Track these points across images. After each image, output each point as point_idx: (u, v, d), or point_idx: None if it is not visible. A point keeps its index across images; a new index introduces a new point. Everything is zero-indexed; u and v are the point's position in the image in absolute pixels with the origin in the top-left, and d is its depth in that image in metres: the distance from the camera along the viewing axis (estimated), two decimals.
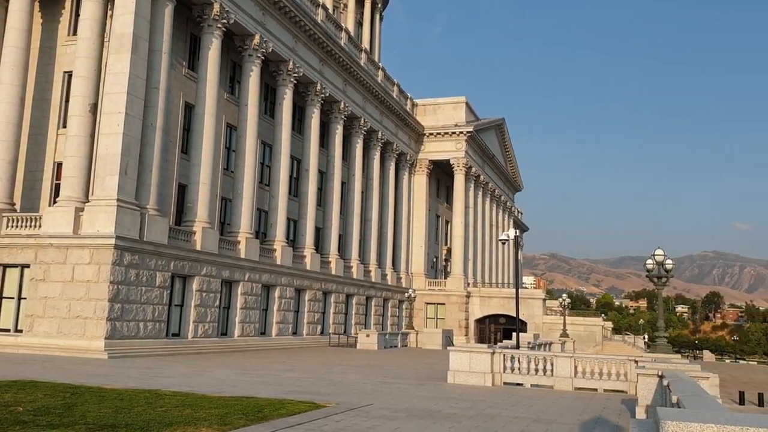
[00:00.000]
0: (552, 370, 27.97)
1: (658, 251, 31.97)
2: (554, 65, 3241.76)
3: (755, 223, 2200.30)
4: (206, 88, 44.78)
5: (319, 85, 60.50)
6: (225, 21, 45.83)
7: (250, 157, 49.80)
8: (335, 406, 19.06)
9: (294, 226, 60.40)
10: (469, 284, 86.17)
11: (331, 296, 62.68)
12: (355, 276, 67.38)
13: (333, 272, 62.74)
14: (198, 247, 42.52)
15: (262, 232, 55.61)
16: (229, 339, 46.80)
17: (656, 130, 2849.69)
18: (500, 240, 43.34)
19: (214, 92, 45.23)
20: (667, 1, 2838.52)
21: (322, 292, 60.80)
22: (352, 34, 72.40)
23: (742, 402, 41.57)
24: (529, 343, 45.06)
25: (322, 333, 60.87)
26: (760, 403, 41.01)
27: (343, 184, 68.67)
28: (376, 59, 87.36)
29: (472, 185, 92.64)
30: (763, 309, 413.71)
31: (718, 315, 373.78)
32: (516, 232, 43.26)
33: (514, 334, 41.20)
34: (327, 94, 62.26)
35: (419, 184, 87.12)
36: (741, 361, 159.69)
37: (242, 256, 47.63)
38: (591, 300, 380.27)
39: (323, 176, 65.68)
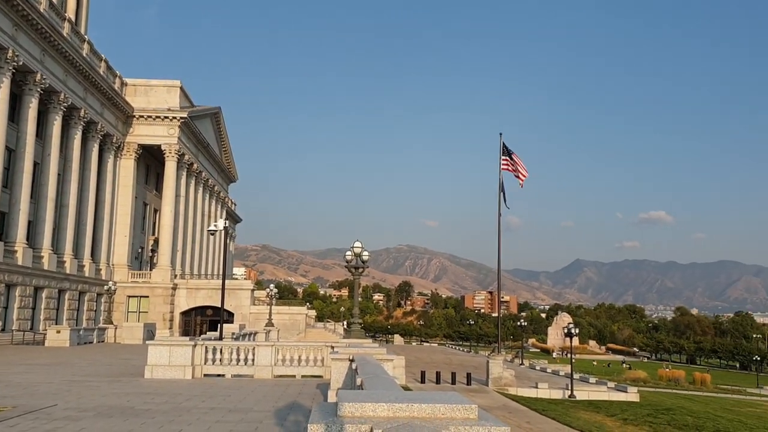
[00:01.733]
0: (254, 360, 28.45)
1: (357, 244, 34.28)
2: (269, 51, 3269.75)
3: (441, 220, 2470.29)
4: None
5: (11, 51, 53.81)
6: None
7: None
8: (11, 409, 17.22)
9: None
10: (176, 276, 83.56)
11: (16, 289, 56.25)
12: (46, 267, 61.29)
13: (19, 262, 56.36)
14: None
15: None
16: None
17: (358, 130, 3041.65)
18: (209, 231, 42.83)
19: None
20: None
21: (4, 284, 54.28)
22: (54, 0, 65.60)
23: (423, 380, 46.48)
24: (233, 333, 45.23)
25: (3, 330, 54.35)
26: (437, 381, 46.23)
27: (36, 164, 61.98)
28: (83, 31, 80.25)
29: (185, 173, 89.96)
30: (445, 296, 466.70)
31: (409, 302, 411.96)
32: (226, 223, 43.12)
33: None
34: (20, 63, 55.67)
35: (126, 169, 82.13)
36: (425, 343, 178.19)
37: None
38: (299, 290, 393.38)
39: (12, 154, 58.60)
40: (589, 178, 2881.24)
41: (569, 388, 43.29)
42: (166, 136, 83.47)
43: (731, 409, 50.27)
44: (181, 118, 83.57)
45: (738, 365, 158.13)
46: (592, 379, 51.85)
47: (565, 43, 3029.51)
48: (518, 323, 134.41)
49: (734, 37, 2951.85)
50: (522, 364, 74.39)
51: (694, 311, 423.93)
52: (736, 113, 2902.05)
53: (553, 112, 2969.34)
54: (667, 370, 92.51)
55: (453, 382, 46.09)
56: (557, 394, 43.06)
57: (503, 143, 49.42)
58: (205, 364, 28.18)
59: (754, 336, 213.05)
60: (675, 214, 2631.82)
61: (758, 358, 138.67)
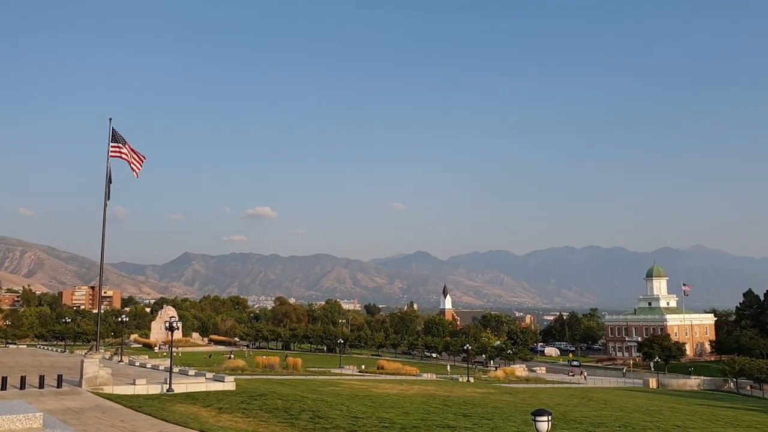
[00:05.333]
0: None
1: None
2: None
3: (38, 209, 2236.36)
4: None
5: None
6: None
7: None
8: None
9: None
10: None
11: None
12: None
13: None
14: None
15: None
16: None
17: None
18: None
19: None
20: None
21: None
22: None
23: (4, 387, 41.54)
24: None
25: None
26: (22, 386, 41.82)
27: None
28: None
29: None
30: (40, 293, 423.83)
31: None
32: None
33: None
34: None
35: None
36: (12, 346, 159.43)
37: None
38: None
39: None
40: (201, 171, 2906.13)
41: (168, 382, 43.17)
42: None
43: (316, 390, 55.75)
44: None
45: (326, 348, 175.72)
46: (192, 371, 52.50)
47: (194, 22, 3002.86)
48: (120, 319, 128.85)
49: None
50: (121, 361, 71.72)
51: (292, 300, 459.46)
52: (322, 123, 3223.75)
53: (170, 101, 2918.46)
54: (262, 357, 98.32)
55: (41, 386, 42.20)
56: (155, 389, 42.55)
57: (113, 129, 46.87)
58: None
59: (341, 321, 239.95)
60: (278, 210, 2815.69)
61: (342, 341, 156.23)
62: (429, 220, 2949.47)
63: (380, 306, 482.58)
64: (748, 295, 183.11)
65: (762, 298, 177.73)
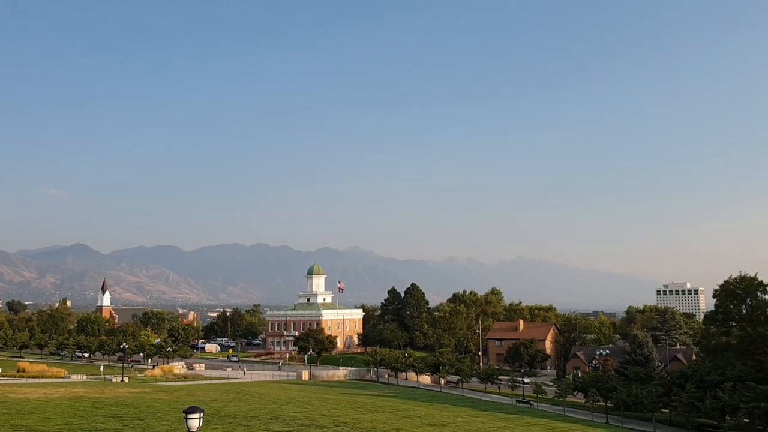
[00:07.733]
0: None
1: None
2: None
3: None
4: None
5: None
6: None
7: None
8: None
9: None
10: None
11: None
12: None
13: None
14: None
15: None
16: None
17: None
18: None
19: None
20: None
21: None
22: None
23: None
24: None
25: None
26: None
27: None
28: None
29: None
30: None
31: None
32: None
33: None
34: None
35: None
36: None
37: None
38: None
39: None
40: None
41: None
42: None
43: None
44: None
45: None
46: None
47: None
48: None
49: None
50: None
51: None
52: None
53: None
54: None
55: None
56: None
57: None
58: None
59: None
60: None
61: None
62: (92, 210, 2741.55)
63: (27, 303, 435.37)
64: (392, 292, 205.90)
65: (403, 295, 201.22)
